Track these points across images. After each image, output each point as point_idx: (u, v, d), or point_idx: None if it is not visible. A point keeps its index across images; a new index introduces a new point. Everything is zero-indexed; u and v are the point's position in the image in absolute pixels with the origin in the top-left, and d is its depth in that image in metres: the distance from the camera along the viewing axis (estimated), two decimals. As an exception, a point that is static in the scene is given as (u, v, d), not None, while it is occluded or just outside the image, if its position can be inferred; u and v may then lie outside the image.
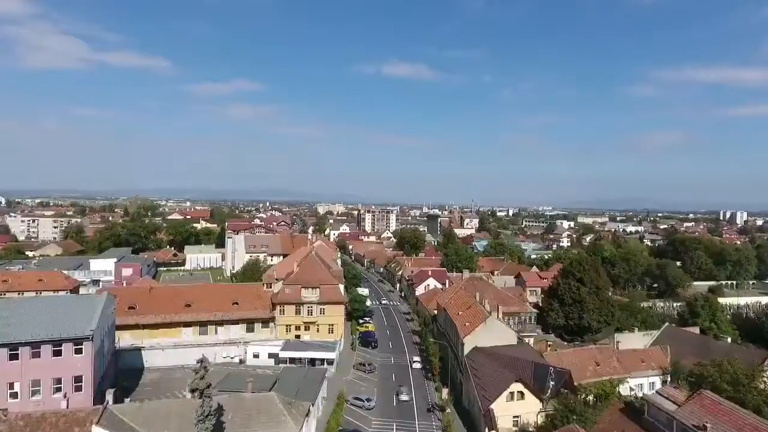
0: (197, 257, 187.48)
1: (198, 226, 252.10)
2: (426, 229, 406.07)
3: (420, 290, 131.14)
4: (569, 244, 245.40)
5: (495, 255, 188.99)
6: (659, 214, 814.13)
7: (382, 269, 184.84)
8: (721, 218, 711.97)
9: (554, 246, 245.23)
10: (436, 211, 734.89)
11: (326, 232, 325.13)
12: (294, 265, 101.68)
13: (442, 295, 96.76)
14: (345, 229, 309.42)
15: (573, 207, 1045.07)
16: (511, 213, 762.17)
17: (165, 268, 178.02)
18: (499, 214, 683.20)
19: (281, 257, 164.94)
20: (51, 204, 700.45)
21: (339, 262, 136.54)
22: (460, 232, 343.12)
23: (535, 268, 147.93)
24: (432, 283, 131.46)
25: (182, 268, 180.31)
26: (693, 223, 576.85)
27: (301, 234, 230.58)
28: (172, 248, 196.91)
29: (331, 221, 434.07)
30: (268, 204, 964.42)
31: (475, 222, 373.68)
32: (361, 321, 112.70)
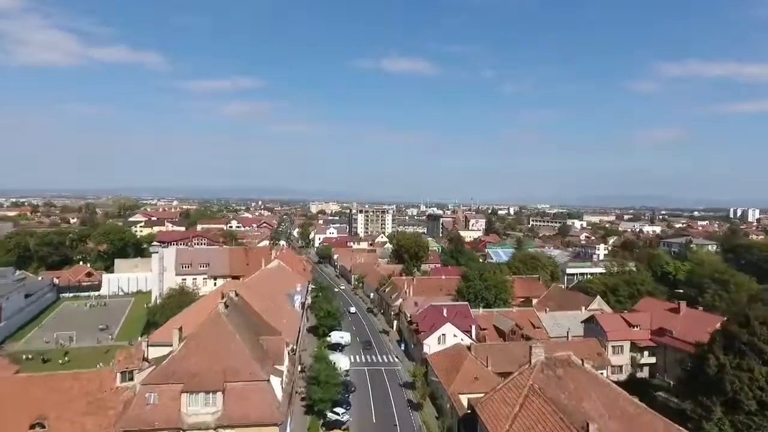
0: (124, 277, 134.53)
1: (143, 231, 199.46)
2: (425, 231, 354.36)
3: (431, 343, 78.96)
4: (607, 253, 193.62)
5: (525, 271, 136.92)
6: (662, 212, 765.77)
7: (372, 293, 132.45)
8: (731, 216, 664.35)
9: (593, 256, 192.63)
10: (435, 210, 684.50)
11: (310, 237, 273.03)
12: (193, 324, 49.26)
13: (492, 403, 44.27)
14: (332, 232, 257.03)
15: (571, 204, 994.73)
16: (512, 211, 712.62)
17: (72, 294, 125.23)
18: (500, 212, 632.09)
19: (228, 281, 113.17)
20: (25, 204, 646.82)
21: (298, 300, 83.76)
22: (465, 235, 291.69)
23: (601, 302, 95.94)
24: (450, 332, 79.30)
25: (97, 293, 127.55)
26: (706, 222, 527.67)
27: (272, 243, 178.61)
28: (86, 264, 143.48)
29: (320, 222, 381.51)
30: (260, 203, 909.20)
31: (482, 223, 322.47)
32: (328, 417, 60.69)
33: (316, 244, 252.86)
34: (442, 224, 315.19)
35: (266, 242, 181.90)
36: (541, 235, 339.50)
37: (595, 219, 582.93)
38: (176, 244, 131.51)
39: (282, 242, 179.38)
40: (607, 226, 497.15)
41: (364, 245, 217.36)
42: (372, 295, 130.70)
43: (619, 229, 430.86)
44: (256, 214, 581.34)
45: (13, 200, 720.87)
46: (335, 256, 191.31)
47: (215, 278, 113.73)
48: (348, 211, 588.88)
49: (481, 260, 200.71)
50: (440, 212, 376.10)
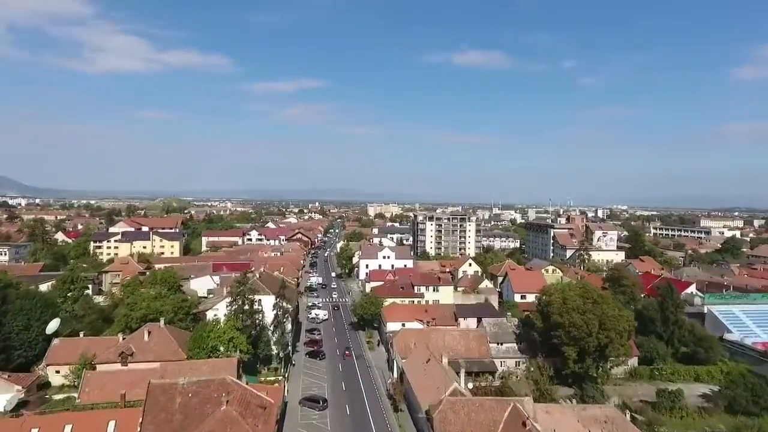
0: None
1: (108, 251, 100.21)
2: (523, 248, 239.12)
3: None
4: None
5: None
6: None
7: None
8: None
9: None
10: (504, 213, 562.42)
11: (353, 261, 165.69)
12: None
13: None
14: (386, 256, 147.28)
15: (654, 206, 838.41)
16: (600, 214, 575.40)
17: None
18: (589, 216, 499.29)
19: None
20: (75, 205, 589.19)
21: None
22: (596, 257, 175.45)
23: None
24: None
25: None
26: None
27: (232, 309, 71.82)
28: None
29: (374, 232, 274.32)
30: (317, 204, 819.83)
31: (612, 236, 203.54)
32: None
33: (362, 275, 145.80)
34: (554, 238, 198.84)
35: (222, 311, 75.44)
36: (703, 253, 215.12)
37: (717, 224, 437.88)
38: None
39: (260, 305, 72.70)
40: (752, 236, 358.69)
41: (445, 293, 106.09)
42: None
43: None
44: (306, 218, 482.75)
45: (76, 202, 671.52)
46: (389, 331, 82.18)
47: None
48: (411, 216, 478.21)
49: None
50: (548, 220, 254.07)
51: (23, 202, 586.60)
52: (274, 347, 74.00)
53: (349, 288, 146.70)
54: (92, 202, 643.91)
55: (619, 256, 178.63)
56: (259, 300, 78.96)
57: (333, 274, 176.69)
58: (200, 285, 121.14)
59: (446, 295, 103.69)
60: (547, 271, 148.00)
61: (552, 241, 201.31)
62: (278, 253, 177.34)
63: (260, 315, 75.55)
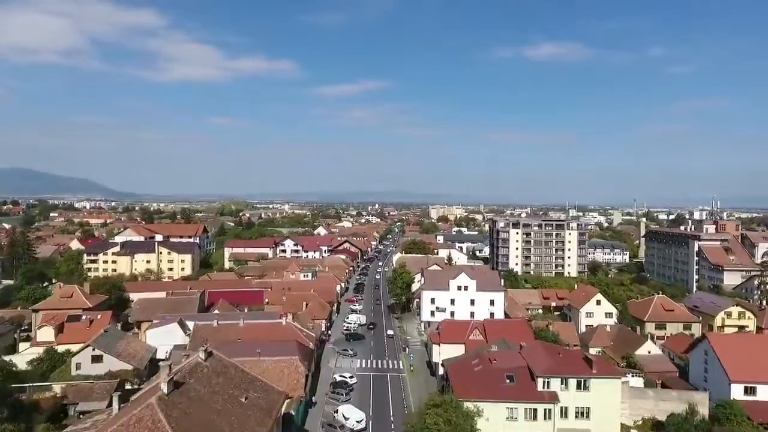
0: None
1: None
2: (628, 258, 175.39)
3: None
4: None
5: None
6: None
7: None
8: None
9: None
10: (585, 217, 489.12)
11: (412, 289, 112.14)
12: None
13: None
14: (462, 284, 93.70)
15: (744, 206, 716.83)
16: (700, 216, 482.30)
17: None
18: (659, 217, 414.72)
19: None
20: (136, 209, 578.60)
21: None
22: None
23: None
24: None
25: None
26: None
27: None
28: None
29: (440, 239, 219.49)
30: (377, 206, 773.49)
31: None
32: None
33: (425, 314, 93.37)
34: (699, 254, 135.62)
35: None
36: None
37: None
38: None
39: None
40: None
41: (604, 396, 49.92)
42: None
43: None
44: (362, 221, 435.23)
45: (149, 205, 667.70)
46: None
47: None
48: (478, 216, 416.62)
49: None
50: (689, 228, 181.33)
51: (88, 204, 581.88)
52: None
53: (405, 334, 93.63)
54: (162, 205, 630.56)
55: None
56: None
57: (377, 292, 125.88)
58: (161, 338, 73.16)
59: (606, 400, 47.91)
60: (728, 315, 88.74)
61: (696, 258, 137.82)
62: (311, 274, 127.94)
63: None
